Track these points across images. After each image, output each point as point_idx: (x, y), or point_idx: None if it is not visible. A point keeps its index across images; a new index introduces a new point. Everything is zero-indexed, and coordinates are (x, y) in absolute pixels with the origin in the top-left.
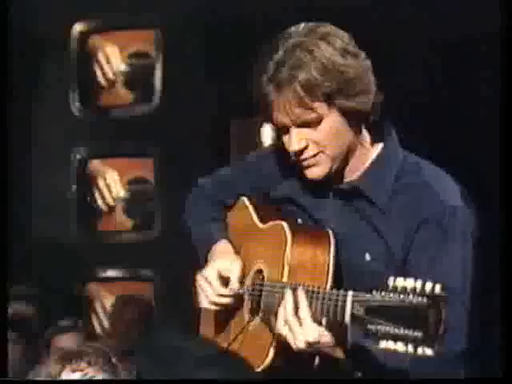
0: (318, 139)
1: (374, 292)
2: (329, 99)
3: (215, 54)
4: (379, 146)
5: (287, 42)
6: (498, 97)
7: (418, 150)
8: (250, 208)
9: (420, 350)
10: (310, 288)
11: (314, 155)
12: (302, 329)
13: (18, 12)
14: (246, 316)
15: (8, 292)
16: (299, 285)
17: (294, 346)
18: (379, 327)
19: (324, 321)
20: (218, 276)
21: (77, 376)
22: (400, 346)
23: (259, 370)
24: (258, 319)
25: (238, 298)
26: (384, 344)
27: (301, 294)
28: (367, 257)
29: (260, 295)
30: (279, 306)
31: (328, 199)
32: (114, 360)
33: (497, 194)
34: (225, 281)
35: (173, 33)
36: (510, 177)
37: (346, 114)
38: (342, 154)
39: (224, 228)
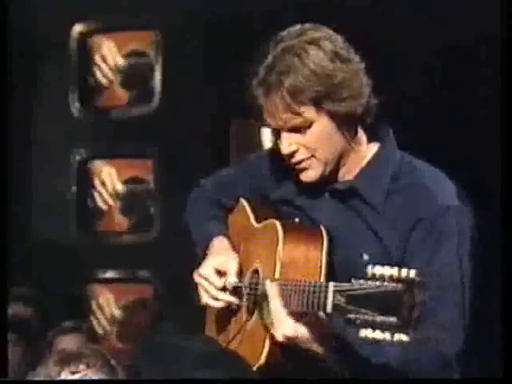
0: (308, 143)
1: (353, 280)
2: (317, 104)
3: (215, 54)
4: (376, 147)
5: (277, 46)
6: (498, 97)
7: (418, 150)
8: (248, 209)
9: (396, 337)
10: (293, 281)
11: (305, 159)
12: (279, 321)
13: (17, 13)
14: (244, 315)
15: (8, 293)
16: (276, 280)
17: (275, 336)
18: (358, 315)
19: (305, 314)
20: (215, 271)
21: (75, 378)
22: (378, 334)
23: (255, 368)
24: (254, 318)
25: (238, 295)
26: (363, 332)
27: (272, 288)
28: (365, 257)
29: (256, 294)
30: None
31: (324, 199)
32: (112, 362)
33: (497, 194)
34: (222, 276)
35: (172, 33)
36: (511, 177)
37: (335, 118)
38: (335, 157)
39: (223, 225)
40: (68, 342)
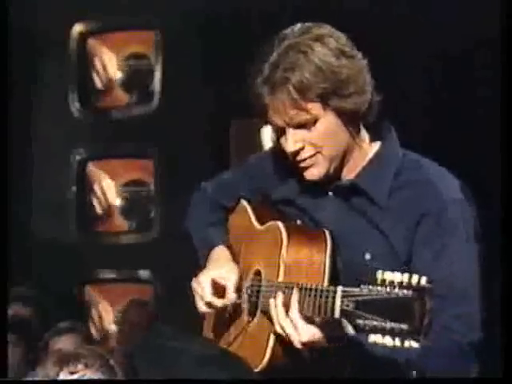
0: (314, 140)
1: (363, 286)
2: (323, 100)
3: (214, 54)
4: (378, 145)
5: (282, 44)
6: (498, 97)
7: (418, 150)
8: (249, 211)
9: (407, 343)
10: (304, 285)
11: (311, 156)
12: (295, 331)
13: (17, 13)
14: (245, 317)
15: (8, 293)
16: (294, 284)
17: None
18: (367, 322)
19: (317, 318)
20: (212, 282)
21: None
22: (388, 340)
23: (257, 370)
24: (256, 320)
25: (239, 296)
26: (373, 338)
27: (294, 295)
28: (367, 256)
29: (258, 296)
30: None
31: (327, 199)
32: (111, 362)
33: (497, 194)
34: (220, 288)
35: (172, 34)
36: (511, 177)
37: (341, 114)
38: (339, 155)
39: (224, 232)
40: (64, 343)
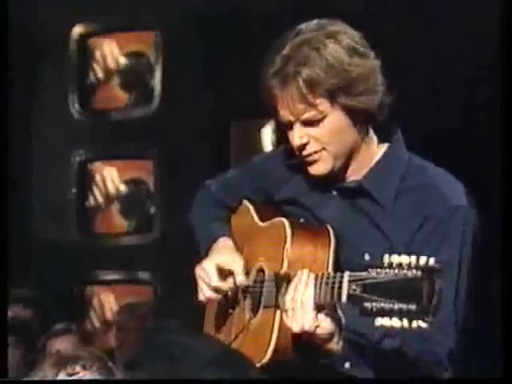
0: (320, 136)
1: (370, 269)
2: (332, 97)
3: (214, 55)
4: (385, 146)
5: (295, 39)
6: (499, 97)
7: (418, 151)
8: (251, 209)
9: (414, 324)
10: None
11: (316, 151)
12: (302, 313)
13: (17, 14)
14: (247, 315)
15: (8, 294)
16: (299, 272)
17: (289, 326)
18: (374, 304)
19: (323, 309)
20: (217, 267)
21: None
22: (395, 322)
23: (259, 365)
24: (258, 316)
25: (241, 292)
26: (379, 321)
27: (311, 280)
28: (366, 257)
29: (261, 292)
30: (286, 292)
31: (332, 198)
32: (109, 363)
33: (497, 195)
34: (225, 273)
35: (172, 34)
36: (511, 177)
37: (349, 112)
38: (345, 152)
39: (226, 226)
40: (62, 344)
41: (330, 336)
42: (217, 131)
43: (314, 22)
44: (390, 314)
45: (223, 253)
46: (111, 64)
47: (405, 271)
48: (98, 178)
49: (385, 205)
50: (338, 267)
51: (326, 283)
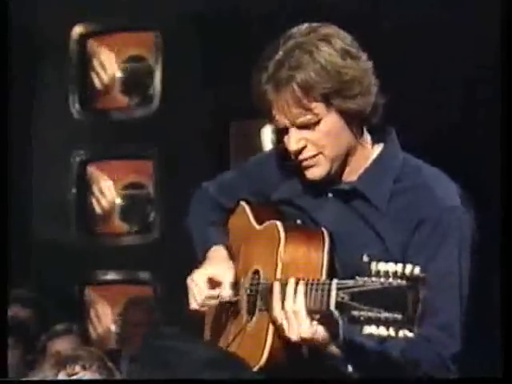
0: (317, 140)
1: (358, 277)
2: (327, 100)
3: (214, 56)
4: (379, 148)
5: (288, 43)
6: (499, 97)
7: (417, 151)
8: (248, 211)
9: (401, 333)
10: (299, 279)
11: (313, 156)
12: (297, 323)
13: (17, 14)
14: (244, 317)
15: (8, 295)
16: (289, 279)
17: (287, 336)
18: (362, 313)
19: (316, 314)
20: (207, 280)
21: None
22: (382, 331)
23: (256, 369)
24: (254, 319)
25: (235, 300)
26: (368, 330)
27: (301, 288)
28: (365, 258)
29: (256, 295)
30: (281, 297)
31: (327, 200)
32: (109, 364)
33: (497, 195)
34: (215, 285)
35: (172, 35)
36: (511, 177)
37: (344, 115)
38: (341, 155)
39: (223, 232)
40: (62, 345)
41: (329, 340)
42: (217, 131)
43: (305, 25)
44: (377, 322)
45: (214, 263)
46: (111, 64)
47: (390, 280)
48: (98, 178)
49: (379, 206)
50: (333, 270)
51: (316, 290)
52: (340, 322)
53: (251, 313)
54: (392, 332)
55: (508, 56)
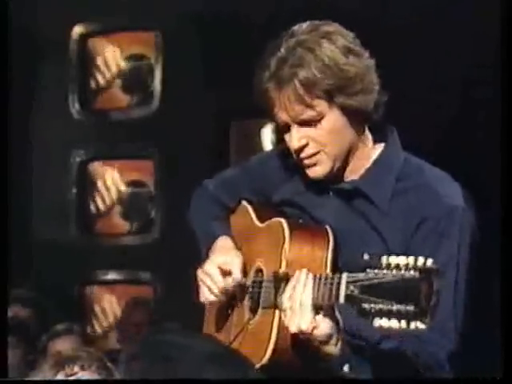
0: (319, 137)
1: (368, 270)
2: (329, 97)
3: (214, 55)
4: (381, 146)
5: (290, 41)
6: (499, 97)
7: (417, 151)
8: (250, 210)
9: (413, 325)
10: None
11: (315, 154)
12: (300, 313)
13: (17, 14)
14: (246, 315)
15: (8, 295)
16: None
17: (287, 325)
18: (373, 305)
19: (321, 310)
20: (219, 269)
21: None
22: (393, 323)
23: (258, 366)
24: (257, 317)
25: (241, 292)
26: (378, 322)
27: (310, 280)
28: (365, 257)
29: (259, 292)
30: (284, 291)
31: (328, 199)
32: (108, 364)
33: (497, 195)
34: (225, 273)
35: (172, 35)
36: (511, 177)
37: (346, 112)
38: (343, 153)
39: (226, 226)
40: (62, 345)
41: (328, 338)
42: (217, 131)
43: (307, 23)
44: (388, 315)
45: (223, 253)
46: (111, 64)
47: (402, 272)
48: (98, 178)
49: (381, 206)
50: (337, 268)
51: (325, 284)
52: (340, 322)
53: (254, 311)
54: (404, 324)
55: (508, 56)
